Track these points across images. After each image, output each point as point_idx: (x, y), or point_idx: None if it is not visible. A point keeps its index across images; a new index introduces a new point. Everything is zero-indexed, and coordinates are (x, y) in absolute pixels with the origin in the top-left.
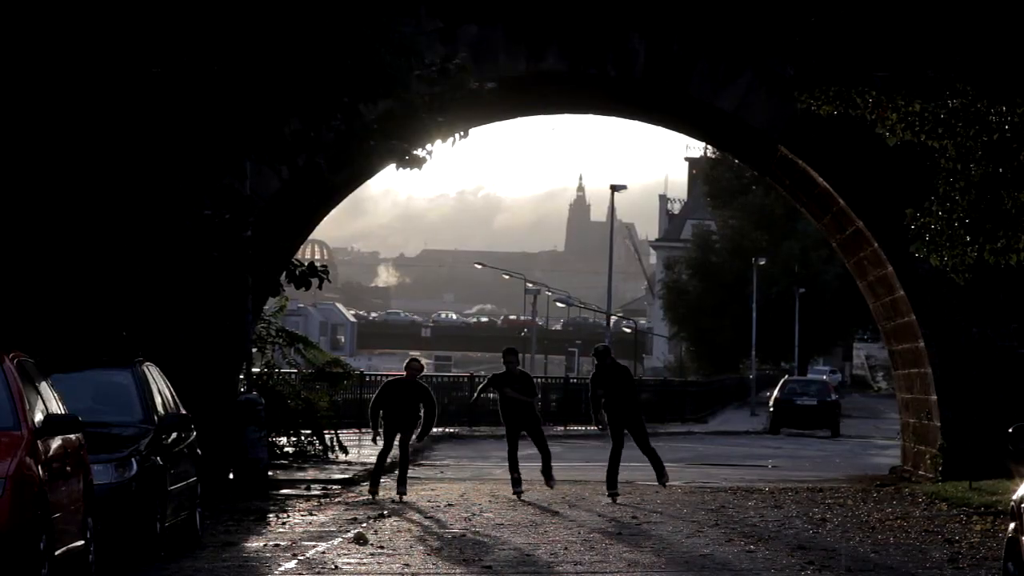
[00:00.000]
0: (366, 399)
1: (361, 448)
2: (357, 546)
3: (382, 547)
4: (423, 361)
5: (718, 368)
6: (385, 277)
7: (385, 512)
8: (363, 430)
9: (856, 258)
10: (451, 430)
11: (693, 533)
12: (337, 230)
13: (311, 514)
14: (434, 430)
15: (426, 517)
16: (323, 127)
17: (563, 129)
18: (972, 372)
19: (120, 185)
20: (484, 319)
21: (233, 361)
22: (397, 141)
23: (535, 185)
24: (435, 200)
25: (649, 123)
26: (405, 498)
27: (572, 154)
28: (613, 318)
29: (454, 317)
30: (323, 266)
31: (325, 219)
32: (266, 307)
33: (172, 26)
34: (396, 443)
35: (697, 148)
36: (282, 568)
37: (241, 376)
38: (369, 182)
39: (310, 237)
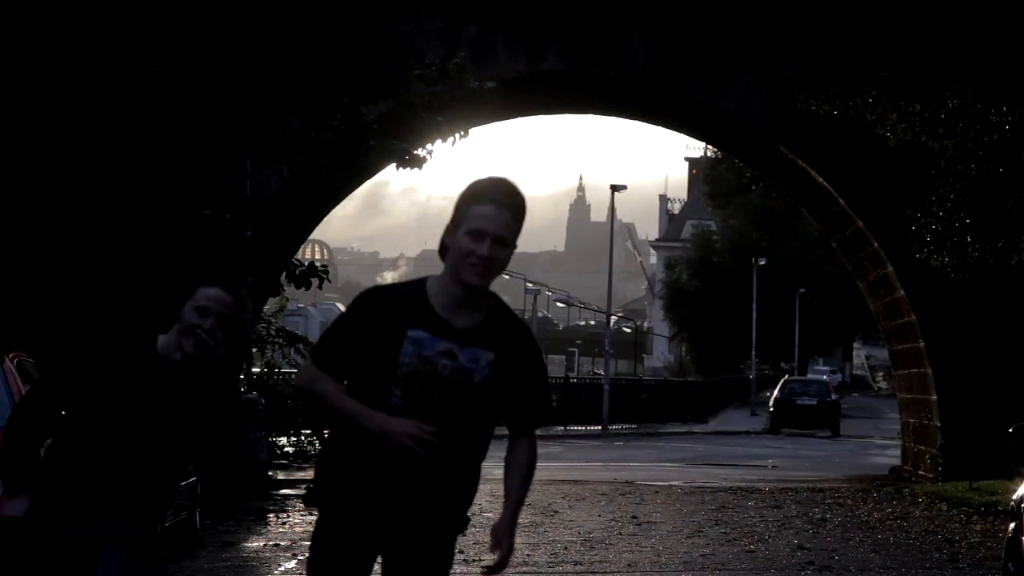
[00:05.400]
0: None
1: None
2: None
3: None
4: None
5: (718, 368)
6: (386, 277)
7: None
8: None
9: (856, 258)
10: None
11: (693, 533)
12: (353, 230)
13: (311, 514)
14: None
15: None
16: (323, 127)
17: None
18: (972, 372)
19: (120, 185)
20: None
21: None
22: (397, 141)
23: (554, 183)
24: (455, 200)
25: (649, 123)
26: None
27: (593, 152)
28: (613, 318)
29: None
30: (323, 266)
31: (341, 218)
32: (266, 307)
33: (172, 26)
34: None
35: (697, 148)
36: (282, 568)
37: (241, 376)
38: (389, 181)
39: (311, 237)
